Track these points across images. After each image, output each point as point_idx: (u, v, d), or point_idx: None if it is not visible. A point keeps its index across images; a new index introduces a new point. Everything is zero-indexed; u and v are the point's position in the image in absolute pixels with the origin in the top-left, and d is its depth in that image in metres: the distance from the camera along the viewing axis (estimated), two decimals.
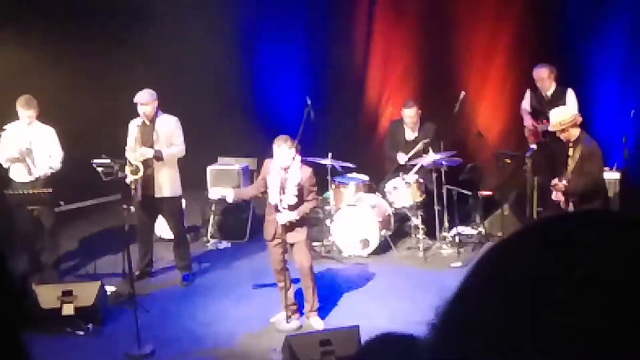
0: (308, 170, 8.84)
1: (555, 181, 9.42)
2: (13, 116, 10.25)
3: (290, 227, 8.75)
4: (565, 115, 9.45)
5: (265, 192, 8.87)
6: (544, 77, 11.19)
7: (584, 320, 0.81)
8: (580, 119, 9.59)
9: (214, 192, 9.59)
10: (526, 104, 11.54)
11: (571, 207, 9.33)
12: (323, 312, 9.17)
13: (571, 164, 9.36)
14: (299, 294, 9.29)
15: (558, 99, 11.14)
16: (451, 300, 0.94)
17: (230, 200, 9.24)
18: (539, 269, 0.86)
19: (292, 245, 8.86)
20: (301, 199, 8.69)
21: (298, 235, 8.82)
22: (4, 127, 10.14)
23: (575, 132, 9.33)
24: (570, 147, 9.41)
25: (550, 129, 9.57)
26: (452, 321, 0.92)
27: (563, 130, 9.30)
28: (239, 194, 9.36)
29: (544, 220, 0.95)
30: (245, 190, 9.49)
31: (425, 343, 0.95)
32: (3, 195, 10.09)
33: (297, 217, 8.70)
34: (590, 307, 0.81)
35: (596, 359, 0.80)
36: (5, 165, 10.20)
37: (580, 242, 0.87)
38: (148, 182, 10.02)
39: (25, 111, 10.14)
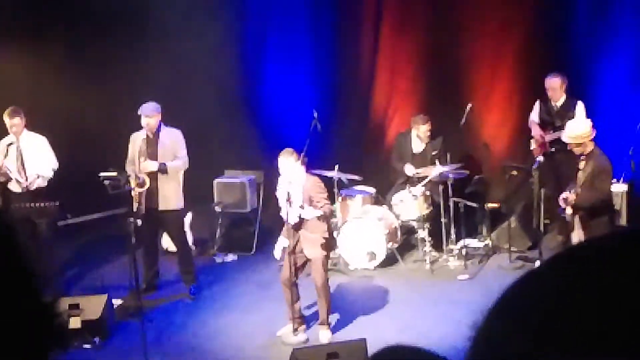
0: (313, 179, 8.82)
1: (565, 194, 9.35)
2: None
3: (307, 241, 8.73)
4: (584, 129, 9.42)
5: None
6: (556, 87, 11.19)
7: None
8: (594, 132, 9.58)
9: (277, 254, 9.31)
10: (535, 115, 11.53)
11: (577, 220, 9.29)
12: (330, 324, 9.14)
13: (581, 177, 9.32)
14: (307, 308, 9.28)
15: (567, 111, 11.13)
16: (490, 314, 0.93)
17: (284, 245, 8.96)
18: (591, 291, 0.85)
19: (308, 259, 8.85)
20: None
21: (314, 252, 8.79)
22: (8, 145, 10.16)
23: (590, 146, 9.30)
24: (582, 160, 9.37)
25: (566, 140, 9.49)
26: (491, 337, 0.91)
27: (579, 145, 9.25)
28: (285, 235, 9.00)
29: (606, 239, 0.94)
30: (288, 226, 8.98)
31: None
32: (6, 207, 10.09)
33: (306, 217, 8.66)
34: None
35: None
36: (1, 179, 10.22)
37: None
38: (152, 195, 10.01)
39: (12, 119, 10.16)
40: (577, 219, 9.31)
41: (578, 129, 9.43)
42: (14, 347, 1.17)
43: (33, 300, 1.22)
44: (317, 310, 9.08)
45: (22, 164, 10.24)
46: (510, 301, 0.92)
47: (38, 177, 10.29)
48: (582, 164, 9.38)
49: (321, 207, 8.71)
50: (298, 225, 8.69)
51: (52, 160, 10.43)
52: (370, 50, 13.79)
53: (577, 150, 9.33)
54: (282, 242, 8.93)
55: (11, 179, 10.22)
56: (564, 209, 9.46)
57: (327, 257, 9.10)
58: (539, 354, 0.84)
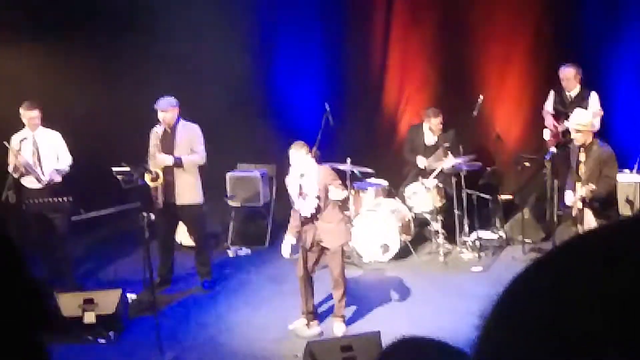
0: (325, 168, 8.81)
1: (580, 191, 9.29)
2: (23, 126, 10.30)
3: (326, 231, 8.71)
4: (589, 118, 9.43)
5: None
6: (570, 77, 11.20)
7: None
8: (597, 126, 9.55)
9: (286, 252, 9.29)
10: (549, 105, 11.52)
11: (588, 212, 9.27)
12: (344, 317, 9.15)
13: (584, 168, 9.30)
14: (318, 300, 9.29)
15: (581, 101, 11.14)
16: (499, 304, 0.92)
17: (292, 243, 8.97)
18: (603, 283, 0.85)
19: (325, 250, 8.82)
20: (325, 200, 8.64)
21: (334, 241, 8.77)
22: (21, 139, 10.18)
23: (590, 137, 9.29)
24: (582, 152, 9.35)
25: (572, 126, 9.49)
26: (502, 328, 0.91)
27: (583, 132, 9.25)
28: (294, 230, 8.94)
29: (604, 230, 0.94)
30: (293, 222, 8.97)
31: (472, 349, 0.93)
32: (20, 203, 10.12)
33: (335, 198, 8.64)
34: None
35: None
36: (15, 175, 10.20)
37: None
38: (169, 189, 10.03)
39: (30, 112, 10.16)
40: (587, 210, 9.29)
41: (584, 116, 9.44)
42: (3, 330, 1.18)
43: (21, 286, 1.23)
44: (331, 304, 9.08)
45: (39, 159, 10.25)
46: (519, 290, 0.92)
47: (56, 172, 10.31)
48: (582, 156, 9.35)
49: (339, 186, 8.70)
50: (314, 217, 8.67)
51: (67, 156, 10.45)
52: (382, 42, 13.77)
53: (579, 140, 9.30)
54: (290, 240, 8.92)
55: (25, 174, 10.22)
56: (565, 205, 9.46)
57: (345, 246, 9.08)
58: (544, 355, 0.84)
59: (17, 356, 1.20)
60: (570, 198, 9.49)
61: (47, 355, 1.26)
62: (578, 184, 9.36)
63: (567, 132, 10.77)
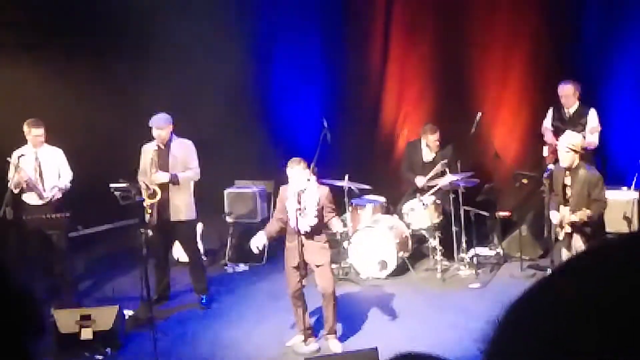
0: (325, 189, 8.82)
1: (569, 215, 9.25)
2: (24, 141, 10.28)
3: (313, 249, 8.71)
4: (579, 140, 9.42)
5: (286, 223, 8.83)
6: (569, 94, 11.22)
7: None
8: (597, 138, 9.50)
9: (254, 246, 9.26)
10: (548, 122, 11.54)
11: (577, 237, 9.21)
12: (341, 334, 9.13)
13: (570, 192, 9.26)
14: (314, 316, 9.27)
15: (580, 117, 11.17)
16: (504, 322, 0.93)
17: (263, 242, 9.05)
18: (600, 296, 0.85)
19: (317, 266, 8.79)
20: (321, 219, 8.66)
21: (322, 258, 8.74)
22: (20, 155, 10.16)
23: (577, 159, 9.25)
24: (567, 175, 9.32)
25: (563, 146, 9.41)
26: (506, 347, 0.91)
27: (573, 152, 9.20)
28: (269, 234, 9.00)
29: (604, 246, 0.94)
30: (271, 227, 9.05)
31: None
32: (19, 219, 10.11)
33: (335, 228, 8.72)
34: None
35: None
36: (15, 191, 10.18)
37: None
38: (164, 206, 10.02)
39: (36, 129, 10.14)
40: (576, 235, 9.23)
41: (575, 137, 9.41)
42: None
43: (7, 293, 1.23)
44: (324, 319, 9.03)
45: (41, 176, 10.24)
46: (523, 313, 0.92)
47: (57, 189, 10.29)
48: (567, 180, 9.31)
49: (333, 216, 8.76)
50: (302, 234, 8.64)
51: (69, 172, 10.44)
52: (380, 60, 13.81)
53: (567, 161, 9.21)
54: (262, 238, 8.91)
55: (27, 190, 10.19)
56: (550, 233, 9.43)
57: (331, 263, 9.08)
58: None
59: None
60: (555, 219, 9.44)
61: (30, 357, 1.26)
62: (564, 208, 9.31)
63: None
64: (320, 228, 8.71)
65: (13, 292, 1.26)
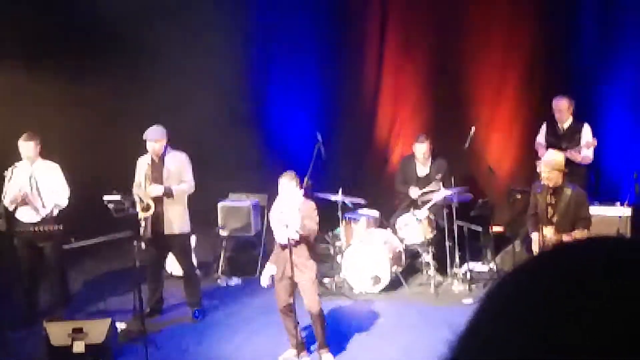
0: (310, 203, 8.79)
1: (551, 235, 9.23)
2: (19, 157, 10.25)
3: (298, 265, 8.68)
4: (562, 159, 9.43)
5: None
6: (563, 109, 11.25)
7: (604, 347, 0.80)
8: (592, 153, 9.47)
9: (264, 281, 9.00)
10: (541, 138, 11.55)
11: None
12: (334, 348, 9.10)
13: (554, 211, 9.26)
14: (306, 331, 9.25)
15: (574, 133, 11.20)
16: (461, 334, 0.93)
17: (272, 273, 8.88)
18: (555, 299, 0.85)
19: (298, 284, 8.76)
20: (304, 232, 8.61)
21: (304, 275, 8.71)
22: (13, 167, 10.13)
23: (560, 178, 9.25)
24: (549, 193, 9.32)
25: (547, 166, 9.37)
26: (462, 356, 0.92)
27: (559, 171, 9.20)
28: (274, 262, 8.90)
29: (560, 249, 0.94)
30: (274, 255, 8.94)
31: None
32: (10, 234, 10.08)
33: (298, 235, 8.54)
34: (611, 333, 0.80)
35: None
36: (10, 208, 10.14)
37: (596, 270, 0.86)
38: (158, 219, 10.00)
39: (28, 143, 10.09)
40: None
41: (558, 156, 9.41)
42: None
43: None
44: (315, 335, 9.00)
45: (38, 191, 10.17)
46: (500, 301, 0.92)
47: (55, 206, 10.25)
48: (549, 198, 9.31)
49: (315, 225, 8.68)
50: (288, 248, 8.60)
51: (66, 188, 10.38)
52: (374, 73, 13.84)
53: (552, 180, 9.21)
54: (270, 270, 8.87)
55: (21, 206, 10.13)
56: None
57: (316, 280, 9.01)
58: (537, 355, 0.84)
59: None
60: (536, 241, 9.43)
61: None
62: (547, 228, 9.32)
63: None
64: (303, 243, 8.67)
65: None
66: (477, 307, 0.94)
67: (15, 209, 10.12)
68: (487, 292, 0.94)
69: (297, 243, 8.59)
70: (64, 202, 10.31)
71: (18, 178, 10.08)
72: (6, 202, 10.07)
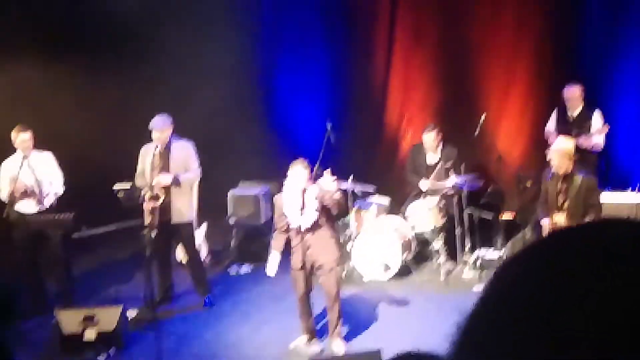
0: (318, 186, 8.80)
1: (564, 222, 9.22)
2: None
3: (320, 247, 8.66)
4: (570, 144, 9.41)
5: (288, 229, 8.77)
6: (576, 96, 11.22)
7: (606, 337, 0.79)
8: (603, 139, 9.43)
9: (272, 270, 8.97)
10: (551, 125, 11.51)
11: None
12: (344, 335, 9.11)
13: (564, 198, 9.24)
14: (318, 318, 9.26)
15: (584, 120, 11.16)
16: (469, 317, 0.92)
17: (278, 260, 8.89)
18: (558, 285, 0.84)
19: (320, 267, 8.72)
20: (321, 214, 8.61)
21: (329, 256, 8.70)
22: (10, 164, 10.10)
23: (571, 165, 9.24)
24: (560, 180, 9.30)
25: (558, 153, 9.36)
26: (470, 338, 0.91)
27: (569, 159, 9.19)
28: (280, 249, 8.92)
29: (567, 232, 0.93)
30: (277, 242, 8.97)
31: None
32: (21, 220, 10.08)
33: (333, 193, 8.55)
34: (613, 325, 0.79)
35: None
36: (6, 201, 10.13)
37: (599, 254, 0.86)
38: (165, 208, 10.00)
39: (24, 134, 10.06)
40: None
41: (567, 143, 9.39)
42: None
43: None
44: (328, 321, 9.01)
45: (37, 182, 10.18)
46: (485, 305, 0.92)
47: (54, 195, 10.26)
48: (559, 185, 9.29)
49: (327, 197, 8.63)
50: (306, 234, 8.61)
51: (60, 175, 10.38)
52: (384, 61, 13.81)
53: (562, 167, 9.20)
54: (276, 257, 8.85)
55: (19, 200, 10.11)
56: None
57: (340, 261, 9.02)
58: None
59: None
60: (546, 228, 9.42)
61: (5, 347, 1.27)
62: (558, 215, 9.30)
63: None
64: (323, 223, 8.67)
65: None
66: (483, 288, 0.94)
67: (14, 201, 10.09)
68: (495, 273, 0.93)
69: (317, 225, 8.59)
70: (60, 189, 10.32)
71: (12, 171, 10.04)
72: (3, 195, 10.07)
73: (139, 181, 10.01)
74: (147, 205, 9.79)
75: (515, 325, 0.84)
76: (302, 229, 8.60)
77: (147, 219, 9.79)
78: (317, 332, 9.12)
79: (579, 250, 0.88)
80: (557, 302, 0.83)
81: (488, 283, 0.94)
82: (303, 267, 8.69)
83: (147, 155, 10.04)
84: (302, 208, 8.55)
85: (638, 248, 0.85)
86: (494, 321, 0.88)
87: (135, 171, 10.14)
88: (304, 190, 8.58)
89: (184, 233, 10.32)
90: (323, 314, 9.30)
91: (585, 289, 0.82)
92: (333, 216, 8.84)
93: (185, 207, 10.15)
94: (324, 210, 8.60)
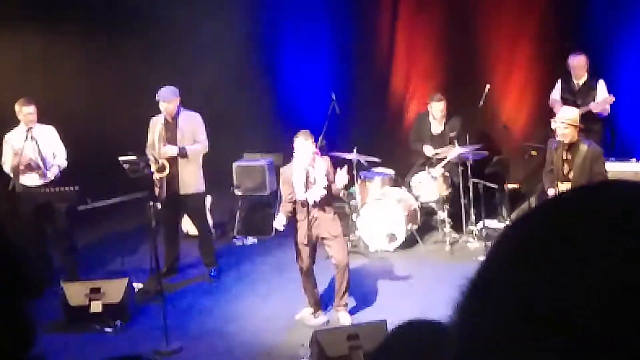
0: (327, 160, 8.82)
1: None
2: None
3: (326, 221, 8.70)
4: (574, 113, 9.39)
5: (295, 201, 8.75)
6: (581, 65, 11.20)
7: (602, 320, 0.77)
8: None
9: (279, 224, 8.81)
10: (556, 94, 11.49)
11: None
12: (350, 307, 9.14)
13: (569, 167, 9.23)
14: (322, 289, 9.29)
15: (589, 89, 11.14)
16: (471, 281, 0.91)
17: (284, 222, 8.80)
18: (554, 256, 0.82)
19: (327, 239, 8.74)
20: (329, 190, 8.64)
21: (336, 229, 8.76)
22: (13, 136, 10.07)
23: (576, 134, 9.22)
24: (565, 149, 9.29)
25: (563, 122, 9.34)
26: (468, 305, 0.90)
27: (573, 127, 9.17)
28: (287, 214, 8.79)
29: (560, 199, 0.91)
30: (285, 208, 8.86)
31: (448, 326, 0.93)
32: (27, 192, 10.07)
33: (341, 184, 8.67)
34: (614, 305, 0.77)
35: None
36: (11, 174, 10.12)
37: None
38: (172, 179, 10.02)
39: (27, 107, 9.99)
40: None
41: (572, 112, 9.37)
42: None
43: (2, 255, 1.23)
44: (335, 291, 9.03)
45: (41, 155, 10.15)
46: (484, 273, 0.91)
47: (57, 168, 10.24)
48: (565, 154, 9.28)
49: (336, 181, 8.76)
50: (319, 207, 8.65)
51: (63, 149, 10.35)
52: (388, 31, 13.76)
53: (567, 136, 9.20)
54: (283, 218, 8.77)
55: (23, 173, 10.07)
56: None
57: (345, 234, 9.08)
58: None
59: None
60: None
61: (30, 320, 1.26)
62: (563, 184, 9.29)
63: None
64: (329, 199, 8.71)
65: (7, 253, 1.26)
66: (485, 253, 0.93)
67: (18, 174, 10.07)
68: (496, 239, 0.92)
69: (323, 200, 8.61)
70: (64, 162, 10.30)
71: (16, 144, 10.02)
72: (7, 168, 10.06)
73: (149, 152, 10.02)
74: (155, 177, 9.80)
75: (516, 291, 0.83)
76: (310, 203, 8.60)
77: (155, 191, 9.81)
78: (323, 303, 9.14)
79: (579, 213, 0.85)
80: (559, 269, 0.81)
81: (489, 248, 0.93)
82: (308, 242, 8.71)
83: (155, 126, 10.04)
84: (310, 182, 8.56)
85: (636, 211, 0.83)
86: (495, 286, 0.87)
87: (140, 143, 10.15)
88: (312, 164, 8.59)
89: (191, 204, 10.34)
90: (328, 286, 9.33)
91: (586, 258, 0.80)
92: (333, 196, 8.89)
93: (193, 178, 10.15)
94: (329, 187, 8.62)
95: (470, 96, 11.88)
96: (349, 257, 9.01)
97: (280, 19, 14.19)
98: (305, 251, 8.77)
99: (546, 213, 0.89)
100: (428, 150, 11.72)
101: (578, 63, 11.22)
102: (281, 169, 9.02)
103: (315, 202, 8.60)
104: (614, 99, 11.03)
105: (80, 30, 12.67)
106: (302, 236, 8.76)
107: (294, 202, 8.75)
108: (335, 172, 8.69)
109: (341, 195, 8.96)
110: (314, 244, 8.78)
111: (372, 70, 13.91)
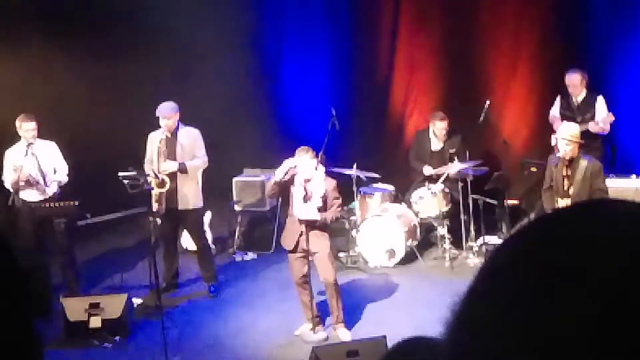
0: (332, 182, 8.83)
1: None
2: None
3: (312, 236, 8.71)
4: (576, 129, 9.39)
5: (289, 184, 8.75)
6: (576, 83, 11.18)
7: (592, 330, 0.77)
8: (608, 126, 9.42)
9: (281, 172, 8.80)
10: (556, 110, 11.50)
11: None
12: (350, 322, 9.13)
13: (569, 183, 9.22)
14: (321, 305, 9.27)
15: (588, 106, 11.14)
16: (461, 300, 0.92)
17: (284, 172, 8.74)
18: (546, 271, 0.82)
19: (313, 255, 8.78)
20: (324, 210, 8.67)
21: (320, 246, 8.76)
22: (13, 153, 10.05)
23: (576, 150, 9.23)
24: (565, 165, 9.29)
25: (565, 138, 9.33)
26: (460, 322, 0.90)
27: (569, 144, 9.16)
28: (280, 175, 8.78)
29: (552, 216, 0.92)
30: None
31: (441, 343, 0.93)
32: (26, 209, 10.06)
33: (319, 219, 8.65)
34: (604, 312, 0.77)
35: None
36: (11, 190, 10.09)
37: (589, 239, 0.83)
38: (171, 194, 10.02)
39: (27, 124, 9.96)
40: None
41: (573, 128, 9.38)
42: None
43: (10, 271, 1.23)
44: (330, 309, 9.02)
45: (41, 171, 10.14)
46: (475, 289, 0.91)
47: (57, 184, 10.22)
48: (565, 170, 9.28)
49: (336, 209, 8.82)
50: (310, 222, 8.66)
51: (64, 165, 10.34)
52: (388, 47, 13.78)
53: (568, 152, 9.20)
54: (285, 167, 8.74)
55: (23, 189, 10.06)
56: None
57: (332, 251, 9.07)
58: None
59: (5, 336, 1.19)
60: None
61: (37, 336, 1.26)
62: (563, 200, 9.28)
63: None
64: (322, 219, 8.73)
65: (18, 272, 1.25)
66: (478, 270, 0.93)
67: (18, 190, 10.05)
68: (489, 256, 0.92)
69: (315, 221, 8.64)
70: (65, 178, 10.29)
71: (16, 160, 10.00)
72: (7, 184, 10.04)
73: (147, 167, 10.03)
74: (154, 192, 9.80)
75: (509, 306, 0.83)
76: (302, 218, 8.63)
77: (154, 206, 9.81)
78: (322, 319, 9.13)
79: (571, 231, 0.86)
80: (552, 284, 0.81)
81: (482, 265, 0.93)
82: (295, 250, 8.76)
83: (154, 141, 10.05)
84: (307, 198, 8.57)
85: (633, 227, 0.83)
86: (487, 303, 0.87)
87: (140, 158, 10.16)
88: (308, 180, 8.61)
89: (190, 220, 10.34)
90: (326, 303, 9.32)
91: (577, 280, 0.80)
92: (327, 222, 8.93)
93: (191, 194, 10.16)
94: (324, 204, 8.64)
95: (470, 112, 11.88)
96: (336, 273, 8.98)
97: (280, 35, 14.21)
98: (295, 261, 8.84)
99: (536, 231, 0.90)
100: (427, 170, 11.71)
101: (573, 81, 11.21)
102: (285, 161, 8.89)
103: (306, 220, 8.62)
104: (613, 118, 11.03)
105: (80, 45, 12.67)
106: (289, 245, 8.86)
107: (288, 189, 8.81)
108: (335, 199, 8.70)
109: (328, 222, 8.89)
110: (305, 256, 8.77)
111: (372, 86, 13.93)
